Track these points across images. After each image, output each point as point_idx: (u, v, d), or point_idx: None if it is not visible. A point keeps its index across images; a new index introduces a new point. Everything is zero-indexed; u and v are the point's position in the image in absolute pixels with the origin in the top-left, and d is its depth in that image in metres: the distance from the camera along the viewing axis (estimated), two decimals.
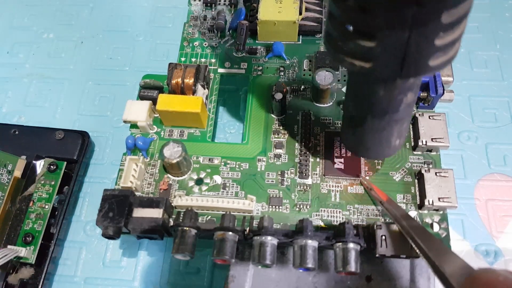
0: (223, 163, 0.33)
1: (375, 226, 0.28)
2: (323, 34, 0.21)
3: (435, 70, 0.19)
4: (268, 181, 0.32)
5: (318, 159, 0.33)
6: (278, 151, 0.33)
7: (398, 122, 0.25)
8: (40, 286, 0.34)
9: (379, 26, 0.18)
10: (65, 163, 0.38)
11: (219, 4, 0.41)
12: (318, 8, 0.38)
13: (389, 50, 0.19)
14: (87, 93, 0.45)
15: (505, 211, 0.36)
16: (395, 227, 0.28)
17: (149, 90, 0.35)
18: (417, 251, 0.24)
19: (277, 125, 0.34)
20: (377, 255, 0.28)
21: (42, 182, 0.37)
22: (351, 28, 0.19)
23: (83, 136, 0.40)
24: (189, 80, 0.34)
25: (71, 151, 0.39)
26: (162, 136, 0.35)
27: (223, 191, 0.32)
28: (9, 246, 0.34)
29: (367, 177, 0.32)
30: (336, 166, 0.32)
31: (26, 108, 0.44)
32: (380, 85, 0.22)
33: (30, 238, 0.34)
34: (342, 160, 0.32)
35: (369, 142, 0.27)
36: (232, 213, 0.29)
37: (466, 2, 0.18)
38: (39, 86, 0.45)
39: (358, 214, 0.31)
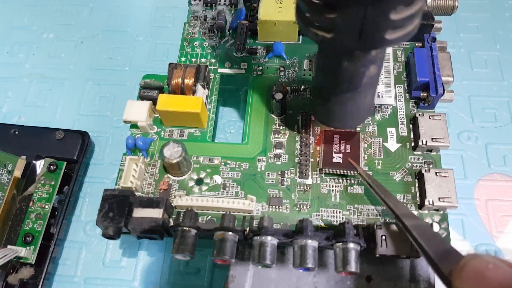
0: (223, 163, 0.33)
1: (375, 226, 0.28)
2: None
3: (392, 43, 0.21)
4: (268, 181, 0.32)
5: (318, 159, 0.33)
6: (278, 151, 0.33)
7: (362, 94, 0.27)
8: (40, 286, 0.34)
9: None
10: (65, 163, 0.38)
11: (219, 4, 0.41)
12: None
13: (348, 22, 0.20)
14: (87, 93, 0.45)
15: (505, 211, 0.36)
16: (395, 227, 0.28)
17: (149, 90, 0.35)
18: (409, 236, 0.25)
19: (277, 125, 0.34)
20: (377, 255, 0.28)
21: (42, 182, 0.37)
22: (316, 1, 0.21)
23: (83, 136, 0.40)
24: (189, 80, 0.34)
25: (71, 151, 0.39)
26: (162, 136, 0.35)
27: (223, 191, 0.32)
28: (9, 246, 0.34)
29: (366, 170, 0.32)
30: (334, 160, 0.32)
31: (26, 108, 0.44)
32: (343, 57, 0.24)
33: (30, 238, 0.34)
34: (341, 155, 0.32)
35: (336, 113, 0.29)
36: (232, 213, 0.29)
37: None
38: (39, 86, 0.45)
39: (358, 214, 0.31)
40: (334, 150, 0.32)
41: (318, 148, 0.33)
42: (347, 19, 0.20)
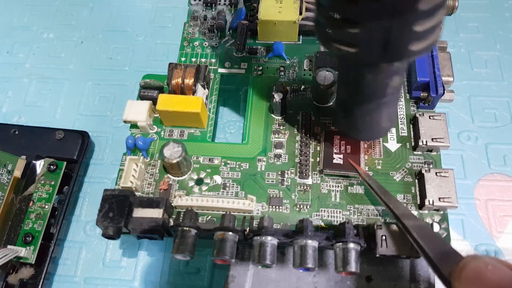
0: (223, 163, 0.33)
1: (375, 226, 0.28)
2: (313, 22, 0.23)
3: (416, 54, 0.21)
4: (268, 181, 0.32)
5: (318, 159, 0.33)
6: (278, 151, 0.33)
7: (386, 105, 0.27)
8: (40, 286, 0.34)
9: (362, 14, 0.19)
10: (65, 163, 0.38)
11: (219, 4, 0.41)
12: None
13: (372, 36, 0.20)
14: (87, 93, 0.45)
15: (505, 211, 0.36)
16: (395, 227, 0.28)
17: (149, 90, 0.35)
18: (406, 234, 0.25)
19: (277, 125, 0.34)
20: (377, 255, 0.28)
21: (42, 182, 0.37)
22: (337, 16, 0.20)
23: (83, 136, 0.39)
24: (189, 80, 0.34)
25: (71, 151, 0.39)
26: (162, 136, 0.35)
27: (223, 191, 0.32)
28: (9, 246, 0.34)
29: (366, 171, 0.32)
30: (335, 161, 0.32)
31: (26, 108, 0.44)
32: (367, 69, 0.23)
33: (30, 238, 0.34)
34: (341, 156, 0.32)
35: (360, 124, 0.29)
36: (232, 213, 0.29)
37: None
38: (39, 86, 0.45)
39: (358, 214, 0.31)
40: (335, 151, 0.32)
41: (318, 148, 0.33)
42: (371, 33, 0.20)
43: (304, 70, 0.37)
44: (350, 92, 0.27)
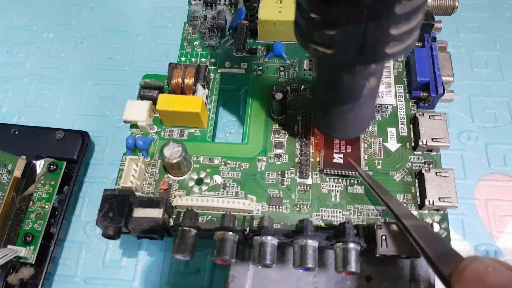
0: (223, 163, 0.33)
1: (375, 226, 0.28)
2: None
3: (392, 57, 0.21)
4: (268, 181, 0.32)
5: (318, 158, 0.33)
6: (278, 151, 0.33)
7: (362, 106, 0.27)
8: (40, 286, 0.34)
9: (339, 16, 0.19)
10: (65, 163, 0.38)
11: (219, 4, 0.41)
12: None
13: (348, 38, 0.20)
14: (87, 93, 0.45)
15: (505, 211, 0.36)
16: (395, 227, 0.28)
17: (149, 90, 0.35)
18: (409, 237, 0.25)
19: (277, 125, 0.34)
20: (377, 255, 0.28)
21: (42, 182, 0.37)
22: (315, 17, 0.20)
23: (83, 136, 0.39)
24: (189, 80, 0.34)
25: (71, 151, 0.39)
26: (162, 136, 0.35)
27: (223, 191, 0.32)
28: (9, 246, 0.34)
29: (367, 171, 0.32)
30: (335, 160, 0.32)
31: (26, 108, 0.44)
32: (343, 70, 0.24)
33: (30, 238, 0.34)
34: (341, 155, 0.32)
35: (336, 124, 0.29)
36: (232, 213, 0.29)
37: None
38: (39, 86, 0.45)
39: (358, 214, 0.31)
40: (335, 150, 0.32)
41: (317, 147, 0.33)
42: (348, 35, 0.20)
43: (304, 70, 0.37)
44: (327, 91, 0.27)
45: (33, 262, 0.34)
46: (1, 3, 0.51)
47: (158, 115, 0.35)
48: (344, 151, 0.32)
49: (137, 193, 0.32)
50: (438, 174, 0.30)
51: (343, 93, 0.26)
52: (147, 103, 0.34)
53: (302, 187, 0.32)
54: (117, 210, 0.29)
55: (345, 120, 0.28)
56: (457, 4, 0.36)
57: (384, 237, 0.28)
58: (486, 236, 0.35)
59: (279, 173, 0.32)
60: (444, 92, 0.33)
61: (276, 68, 0.37)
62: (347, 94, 0.26)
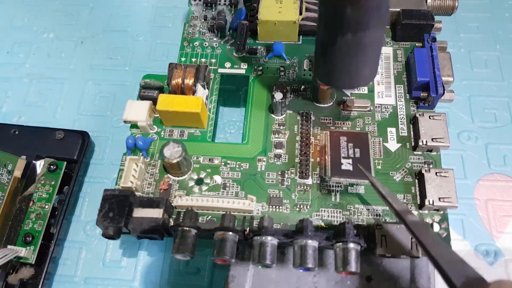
0: (223, 163, 0.33)
1: (375, 226, 0.28)
2: None
3: None
4: (268, 181, 0.32)
5: (318, 159, 0.33)
6: (278, 151, 0.33)
7: (366, 48, 0.26)
8: (40, 286, 0.34)
9: None
10: (65, 163, 0.38)
11: (220, 4, 0.41)
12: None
13: None
14: (87, 93, 0.45)
15: (505, 211, 0.36)
16: (395, 227, 0.28)
17: (149, 90, 0.35)
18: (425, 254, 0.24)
19: (277, 125, 0.34)
20: (377, 255, 0.28)
21: (42, 182, 0.37)
22: None
23: (83, 136, 0.39)
24: (189, 80, 0.34)
25: (71, 151, 0.39)
26: (162, 136, 0.35)
27: (223, 191, 0.32)
28: (9, 246, 0.34)
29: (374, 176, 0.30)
30: (343, 167, 0.30)
31: (26, 108, 0.44)
32: (346, 4, 0.23)
33: (30, 238, 0.34)
34: (350, 161, 0.30)
35: (340, 69, 0.28)
36: (232, 213, 0.29)
37: None
38: (39, 86, 0.45)
39: (358, 214, 0.31)
40: (342, 155, 0.30)
41: (318, 148, 0.33)
42: None
43: (304, 70, 0.37)
44: (329, 30, 0.26)
45: (33, 262, 0.34)
46: (1, 3, 0.51)
47: (158, 115, 0.35)
48: (352, 156, 0.30)
49: (137, 193, 0.32)
50: (438, 174, 0.30)
51: (346, 31, 0.24)
52: (147, 103, 0.34)
53: (302, 187, 0.32)
54: (117, 210, 0.29)
55: (349, 64, 0.27)
56: (457, 4, 0.37)
57: (384, 237, 0.28)
58: (486, 236, 0.35)
59: (279, 173, 0.32)
60: (444, 92, 0.33)
61: (276, 68, 0.37)
62: (350, 31, 0.24)
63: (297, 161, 0.33)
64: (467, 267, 0.22)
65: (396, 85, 0.36)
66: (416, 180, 0.32)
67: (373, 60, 0.28)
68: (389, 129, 0.34)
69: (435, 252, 0.23)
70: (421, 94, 0.34)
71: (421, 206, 0.31)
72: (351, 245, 0.27)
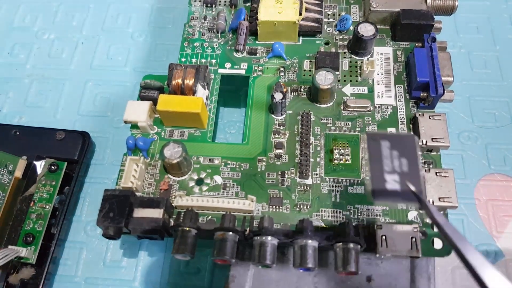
0: (223, 163, 0.33)
1: (375, 226, 0.28)
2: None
3: None
4: (269, 181, 0.32)
5: (318, 159, 0.33)
6: (278, 151, 0.33)
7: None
8: (40, 286, 0.34)
9: None
10: (66, 163, 0.38)
11: (219, 4, 0.41)
12: (318, 9, 0.39)
13: None
14: (87, 93, 0.45)
15: (505, 211, 0.36)
16: (395, 227, 0.28)
17: (150, 90, 0.35)
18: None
19: (277, 125, 0.35)
20: (377, 255, 0.28)
21: (43, 182, 0.37)
22: None
23: (84, 136, 0.40)
24: (190, 81, 0.34)
25: (71, 152, 0.39)
26: (162, 136, 0.35)
27: (223, 191, 0.32)
28: (9, 246, 0.34)
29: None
30: (388, 186, 0.22)
31: (26, 108, 0.44)
32: None
33: (31, 238, 0.34)
34: (396, 177, 0.22)
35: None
36: (232, 213, 0.29)
37: None
38: (39, 87, 0.45)
39: (359, 214, 0.31)
40: (386, 168, 0.23)
41: (318, 148, 0.33)
42: None
43: (304, 70, 0.37)
44: None
45: (34, 263, 0.34)
46: (1, 4, 0.51)
47: (158, 115, 0.35)
48: (399, 170, 0.23)
49: (138, 194, 0.32)
50: (438, 174, 0.30)
51: None
52: (147, 104, 0.34)
53: (302, 187, 0.32)
54: (118, 211, 0.29)
55: None
56: (456, 4, 0.37)
57: (384, 237, 0.28)
58: (486, 236, 0.35)
59: (279, 173, 0.32)
60: (444, 92, 0.33)
61: (276, 68, 0.37)
62: None
63: (297, 161, 0.33)
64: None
65: (396, 85, 0.36)
66: None
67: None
68: (389, 129, 0.34)
69: None
70: (421, 94, 0.34)
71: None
72: (351, 245, 0.27)
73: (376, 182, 0.23)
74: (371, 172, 0.23)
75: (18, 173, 0.37)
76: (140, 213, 0.29)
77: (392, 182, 0.22)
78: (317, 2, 0.39)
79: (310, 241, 0.27)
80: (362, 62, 0.36)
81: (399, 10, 0.36)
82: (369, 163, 0.23)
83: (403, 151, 0.23)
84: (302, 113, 0.35)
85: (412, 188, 0.22)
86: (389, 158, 0.23)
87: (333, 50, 0.37)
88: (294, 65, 0.37)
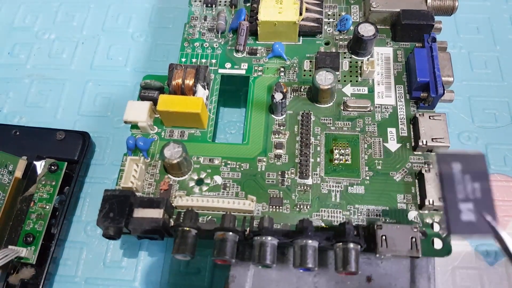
0: (223, 164, 0.33)
1: (375, 226, 0.28)
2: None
3: None
4: (269, 181, 0.32)
5: (318, 159, 0.33)
6: (278, 151, 0.33)
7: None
8: (40, 286, 0.34)
9: None
10: (66, 163, 0.38)
11: (220, 4, 0.41)
12: (318, 9, 0.39)
13: None
14: (87, 93, 0.45)
15: (505, 211, 0.36)
16: (395, 227, 0.28)
17: (150, 90, 0.35)
18: None
19: (277, 125, 0.35)
20: (377, 255, 0.28)
21: (43, 182, 0.37)
22: None
23: (84, 136, 0.40)
24: (190, 81, 0.34)
25: (71, 152, 0.39)
26: (162, 136, 0.35)
27: (223, 192, 0.32)
28: (10, 247, 0.34)
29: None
30: (464, 217, 0.20)
31: (27, 108, 0.44)
32: None
33: (31, 239, 0.34)
34: (471, 205, 0.20)
35: None
36: (232, 213, 0.29)
37: None
38: (39, 87, 0.45)
39: (358, 214, 0.31)
40: (460, 196, 0.20)
41: (319, 148, 0.33)
42: None
43: (304, 70, 0.37)
44: None
45: (34, 263, 0.34)
46: (2, 4, 0.51)
47: (158, 115, 0.35)
48: (473, 197, 0.20)
49: (138, 194, 0.32)
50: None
51: None
52: (147, 104, 0.34)
53: (302, 187, 0.32)
54: (118, 211, 0.29)
55: None
56: (457, 4, 0.37)
57: (384, 237, 0.28)
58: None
59: (279, 173, 0.32)
60: (444, 93, 0.33)
61: (276, 68, 0.37)
62: None
63: (297, 161, 0.33)
64: None
65: (396, 85, 0.36)
66: (416, 180, 0.32)
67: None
68: (389, 129, 0.34)
69: None
70: (421, 94, 0.34)
71: (421, 206, 0.31)
72: (351, 245, 0.27)
73: (452, 214, 0.20)
74: (445, 202, 0.20)
75: (18, 173, 0.37)
76: (140, 213, 0.29)
77: (467, 212, 0.20)
78: (317, 2, 0.39)
79: (310, 241, 0.27)
80: (362, 62, 0.36)
81: (399, 10, 0.36)
82: (442, 191, 0.20)
83: (474, 174, 0.21)
84: (302, 113, 0.35)
85: (490, 220, 0.20)
86: (461, 184, 0.20)
87: (333, 50, 0.38)
88: (294, 65, 0.37)
